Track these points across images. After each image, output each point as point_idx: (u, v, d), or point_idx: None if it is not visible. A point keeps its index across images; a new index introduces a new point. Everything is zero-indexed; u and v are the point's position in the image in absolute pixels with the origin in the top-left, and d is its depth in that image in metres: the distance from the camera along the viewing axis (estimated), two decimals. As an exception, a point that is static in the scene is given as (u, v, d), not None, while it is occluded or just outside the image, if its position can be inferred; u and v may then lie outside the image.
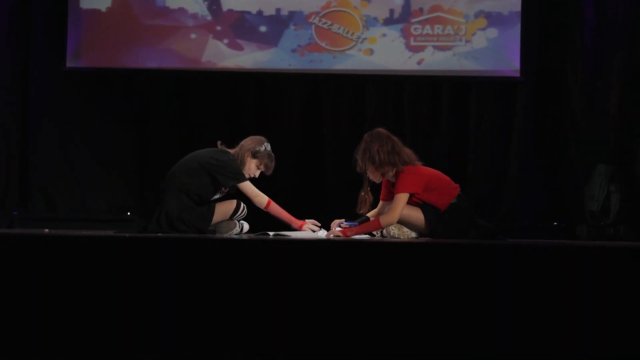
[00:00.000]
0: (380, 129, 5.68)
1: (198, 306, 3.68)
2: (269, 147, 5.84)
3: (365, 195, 5.74)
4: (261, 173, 5.84)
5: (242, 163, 5.75)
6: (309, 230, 5.71)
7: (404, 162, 5.53)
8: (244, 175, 5.70)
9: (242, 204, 5.74)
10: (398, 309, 3.63)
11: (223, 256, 3.81)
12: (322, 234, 5.73)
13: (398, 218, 5.44)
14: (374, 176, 5.64)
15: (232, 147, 5.84)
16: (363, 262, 3.76)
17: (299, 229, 5.68)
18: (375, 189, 5.82)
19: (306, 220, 5.77)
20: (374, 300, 3.65)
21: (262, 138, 5.87)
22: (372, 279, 3.69)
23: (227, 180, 5.64)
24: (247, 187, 5.70)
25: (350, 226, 5.54)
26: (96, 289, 3.74)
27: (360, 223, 5.57)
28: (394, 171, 5.57)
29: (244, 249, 3.87)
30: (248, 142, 5.81)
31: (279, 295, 3.67)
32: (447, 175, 5.70)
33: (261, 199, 5.71)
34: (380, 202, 5.83)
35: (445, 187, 5.60)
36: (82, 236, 4.26)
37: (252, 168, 5.79)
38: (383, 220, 5.44)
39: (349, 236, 5.42)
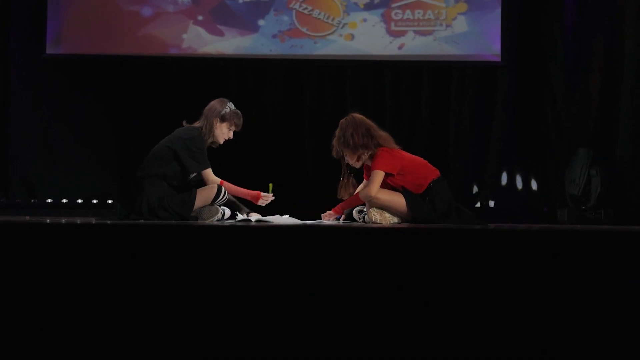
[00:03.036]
0: (355, 114, 5.74)
1: (181, 296, 3.67)
2: (232, 106, 5.88)
3: (345, 180, 5.81)
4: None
5: (212, 130, 5.79)
6: (265, 201, 5.86)
7: (378, 144, 5.59)
8: (207, 162, 5.75)
9: (222, 189, 5.74)
10: (381, 296, 3.64)
11: (206, 243, 3.80)
12: (285, 218, 5.77)
13: (375, 192, 5.49)
14: (352, 161, 5.68)
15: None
16: (345, 248, 3.76)
17: (255, 202, 5.82)
18: (358, 175, 5.84)
19: (261, 194, 5.86)
20: (356, 287, 3.66)
21: (223, 99, 5.91)
22: (353, 266, 3.69)
23: (191, 167, 5.71)
24: (208, 174, 5.76)
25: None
26: (77, 277, 3.73)
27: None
28: (369, 154, 5.62)
29: (227, 236, 3.86)
30: (212, 108, 5.84)
31: (262, 282, 3.67)
32: (426, 160, 5.72)
33: (213, 177, 5.78)
34: (363, 182, 5.87)
35: (422, 171, 5.62)
36: (63, 224, 4.24)
37: (225, 131, 5.85)
38: (361, 193, 5.57)
39: (340, 213, 5.65)
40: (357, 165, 5.72)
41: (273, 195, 5.88)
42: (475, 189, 8.48)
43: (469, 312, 3.63)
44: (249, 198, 5.84)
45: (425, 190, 5.57)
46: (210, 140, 5.84)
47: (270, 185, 5.92)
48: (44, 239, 3.82)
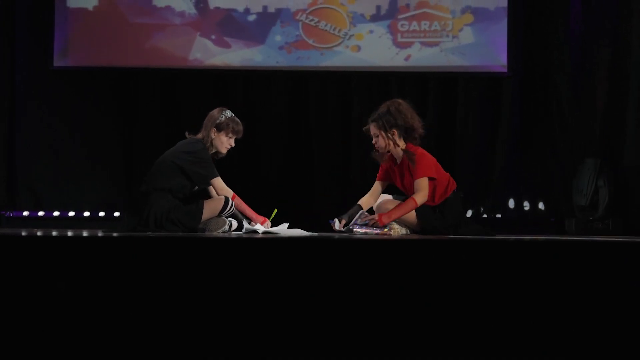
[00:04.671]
0: (401, 100, 5.69)
1: (188, 306, 3.67)
2: (229, 113, 5.82)
3: (376, 153, 5.72)
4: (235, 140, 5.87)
5: (211, 141, 5.76)
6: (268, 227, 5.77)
7: (413, 138, 5.54)
8: (214, 171, 5.72)
9: (230, 200, 5.74)
10: (390, 306, 3.63)
11: (214, 255, 3.80)
12: (284, 227, 5.74)
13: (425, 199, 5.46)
14: (376, 139, 5.61)
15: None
16: (356, 259, 3.76)
17: (262, 224, 5.72)
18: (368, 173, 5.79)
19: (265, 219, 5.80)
20: (366, 298, 3.65)
21: (221, 108, 5.86)
22: (364, 276, 3.69)
23: (200, 181, 5.71)
24: (218, 182, 5.73)
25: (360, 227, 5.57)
26: (84, 289, 3.73)
27: (351, 215, 5.58)
28: (400, 146, 5.56)
29: (235, 248, 3.86)
30: (209, 118, 5.81)
31: (271, 293, 3.67)
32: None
33: (227, 193, 5.72)
34: (375, 183, 5.80)
35: (445, 181, 5.61)
36: (70, 236, 4.25)
37: (224, 141, 5.79)
38: (419, 199, 5.46)
39: (385, 222, 5.46)
40: (384, 149, 5.65)
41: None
42: (482, 201, 8.47)
43: (478, 323, 3.62)
44: (254, 220, 5.78)
45: (442, 201, 5.57)
46: (213, 151, 5.83)
47: (275, 211, 5.85)
48: (52, 251, 3.82)
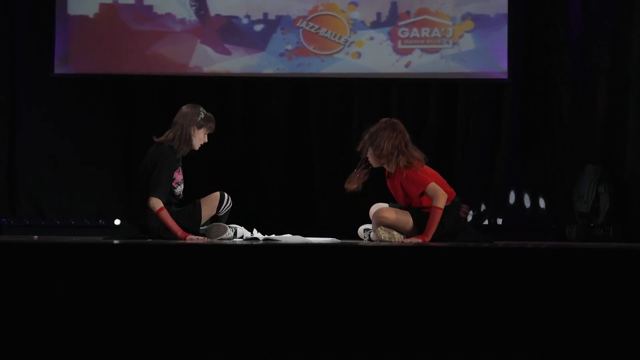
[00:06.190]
0: (399, 122, 5.68)
1: (188, 313, 3.67)
2: (204, 110, 5.81)
3: (357, 173, 5.71)
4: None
5: (189, 139, 5.71)
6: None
7: (407, 163, 5.51)
8: (161, 191, 5.53)
9: (225, 194, 5.71)
10: (391, 313, 3.63)
11: (214, 262, 3.80)
12: (295, 237, 5.72)
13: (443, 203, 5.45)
14: (372, 160, 5.62)
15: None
16: (356, 266, 3.76)
17: (183, 240, 5.47)
18: (377, 175, 5.79)
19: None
20: (367, 305, 3.65)
21: (194, 105, 5.84)
22: (364, 283, 3.69)
23: (151, 190, 5.54)
24: (154, 202, 5.50)
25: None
26: (85, 296, 3.73)
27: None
28: (395, 165, 5.55)
29: (235, 255, 3.86)
30: (187, 117, 5.74)
31: (273, 301, 3.66)
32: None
33: (156, 204, 5.52)
34: (376, 205, 5.80)
35: (446, 191, 5.60)
36: (71, 243, 4.25)
37: (202, 137, 5.76)
38: (440, 203, 5.44)
39: (427, 240, 5.39)
40: (375, 165, 5.65)
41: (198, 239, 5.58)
42: (482, 207, 8.46)
43: (478, 330, 3.62)
44: (176, 234, 5.50)
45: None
46: (186, 150, 5.76)
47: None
48: (53, 258, 3.82)
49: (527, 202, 8.45)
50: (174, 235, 5.47)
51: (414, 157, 5.55)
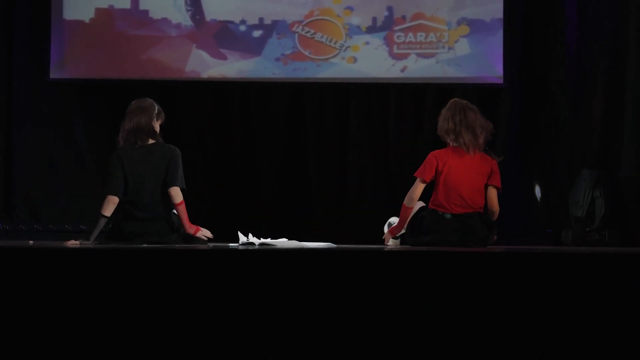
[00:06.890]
0: (465, 102, 5.74)
1: (184, 318, 3.67)
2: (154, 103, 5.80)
3: None
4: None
5: (154, 132, 5.70)
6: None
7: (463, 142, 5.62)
8: (183, 183, 5.62)
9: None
10: (387, 318, 3.63)
11: (210, 267, 3.80)
12: (290, 242, 5.71)
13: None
14: None
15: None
16: (352, 270, 3.76)
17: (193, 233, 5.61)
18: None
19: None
20: (363, 309, 3.65)
21: (146, 100, 5.78)
22: (360, 288, 3.69)
23: (178, 181, 5.60)
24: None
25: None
26: (81, 301, 3.73)
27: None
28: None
29: (231, 260, 3.86)
30: (145, 114, 5.68)
31: (268, 306, 3.66)
32: None
33: (180, 194, 5.59)
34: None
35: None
36: (67, 248, 4.24)
37: (158, 128, 5.75)
38: (405, 199, 5.56)
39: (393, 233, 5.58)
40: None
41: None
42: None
43: (474, 335, 3.62)
44: (189, 225, 5.61)
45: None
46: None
47: None
48: (48, 264, 3.82)
49: (523, 206, 8.46)
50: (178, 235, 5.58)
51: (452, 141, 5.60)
